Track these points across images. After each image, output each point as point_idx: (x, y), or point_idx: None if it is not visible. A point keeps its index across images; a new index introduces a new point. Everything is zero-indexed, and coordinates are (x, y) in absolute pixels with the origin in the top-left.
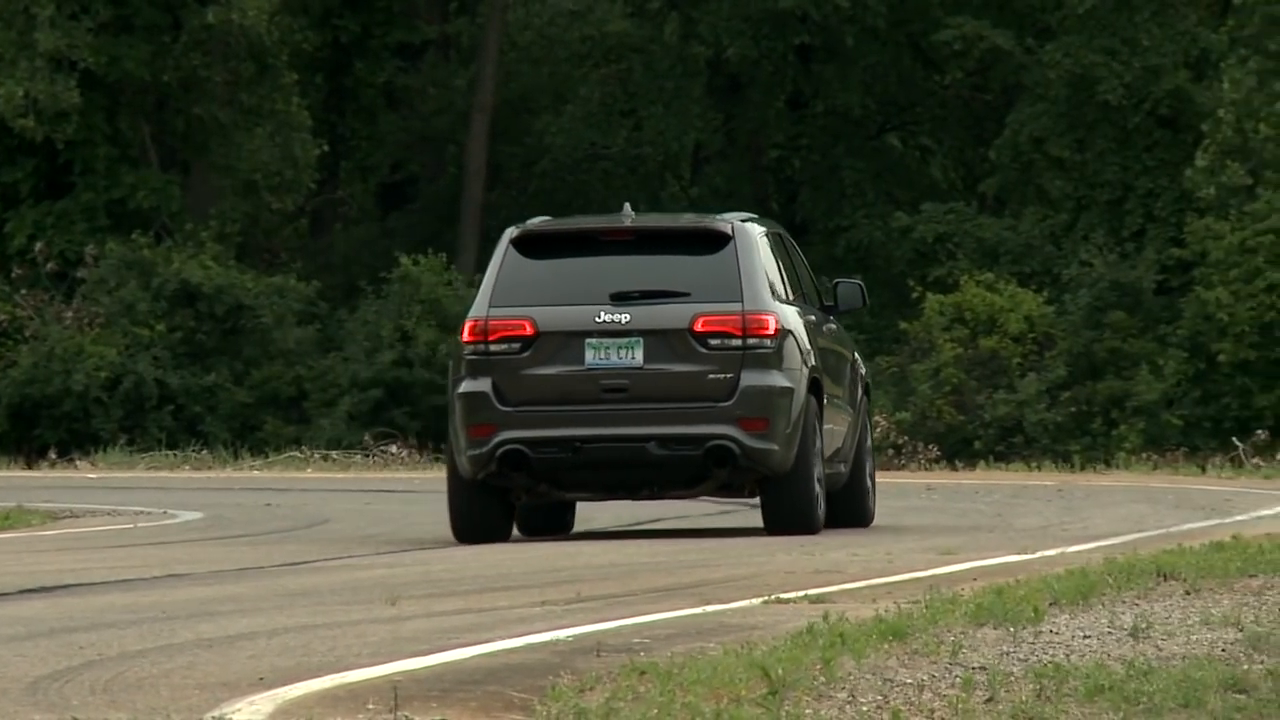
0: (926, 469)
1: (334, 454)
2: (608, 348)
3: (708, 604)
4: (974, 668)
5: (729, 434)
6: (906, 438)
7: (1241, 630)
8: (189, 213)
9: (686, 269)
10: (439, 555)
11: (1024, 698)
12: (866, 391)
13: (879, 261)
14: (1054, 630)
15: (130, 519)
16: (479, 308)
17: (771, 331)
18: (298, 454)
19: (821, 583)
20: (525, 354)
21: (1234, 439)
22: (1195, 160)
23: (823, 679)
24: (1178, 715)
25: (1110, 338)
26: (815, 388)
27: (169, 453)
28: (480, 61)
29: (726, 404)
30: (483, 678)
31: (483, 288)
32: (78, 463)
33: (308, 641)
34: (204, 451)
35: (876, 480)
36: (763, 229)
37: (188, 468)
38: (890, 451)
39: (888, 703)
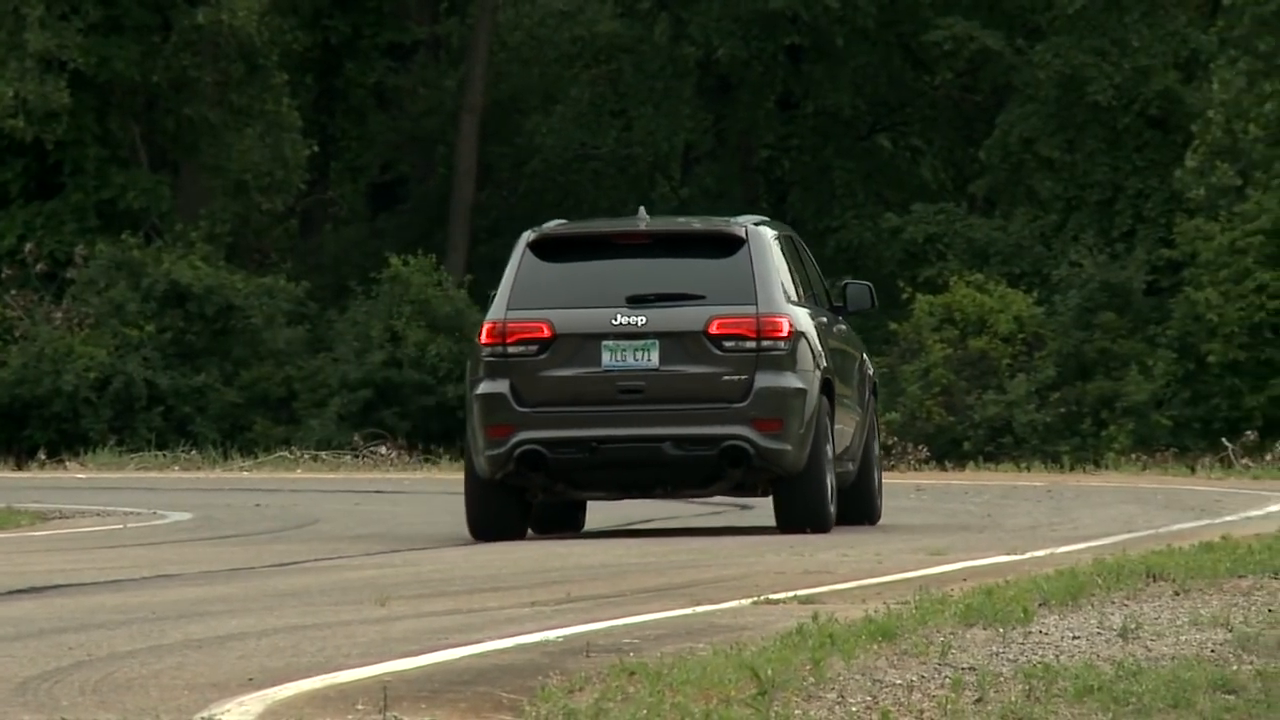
0: (916, 470)
1: (323, 455)
2: (624, 350)
3: (697, 604)
4: (963, 668)
5: (743, 434)
6: (896, 438)
7: (1230, 631)
8: (179, 213)
9: (701, 272)
10: (429, 556)
11: (1013, 698)
12: (874, 391)
13: (869, 262)
14: (1043, 631)
15: (120, 519)
16: (497, 310)
17: (785, 334)
18: (287, 454)
19: (811, 583)
20: (543, 356)
21: (1223, 440)
22: (1185, 161)
23: (812, 679)
24: (1167, 716)
25: (1100, 338)
26: (827, 388)
27: (158, 453)
28: (470, 62)
29: (741, 405)
30: (472, 678)
31: (500, 290)
32: (67, 463)
33: (297, 642)
34: (193, 452)
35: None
36: (775, 232)
37: (177, 468)
38: (879, 452)
39: (877, 703)
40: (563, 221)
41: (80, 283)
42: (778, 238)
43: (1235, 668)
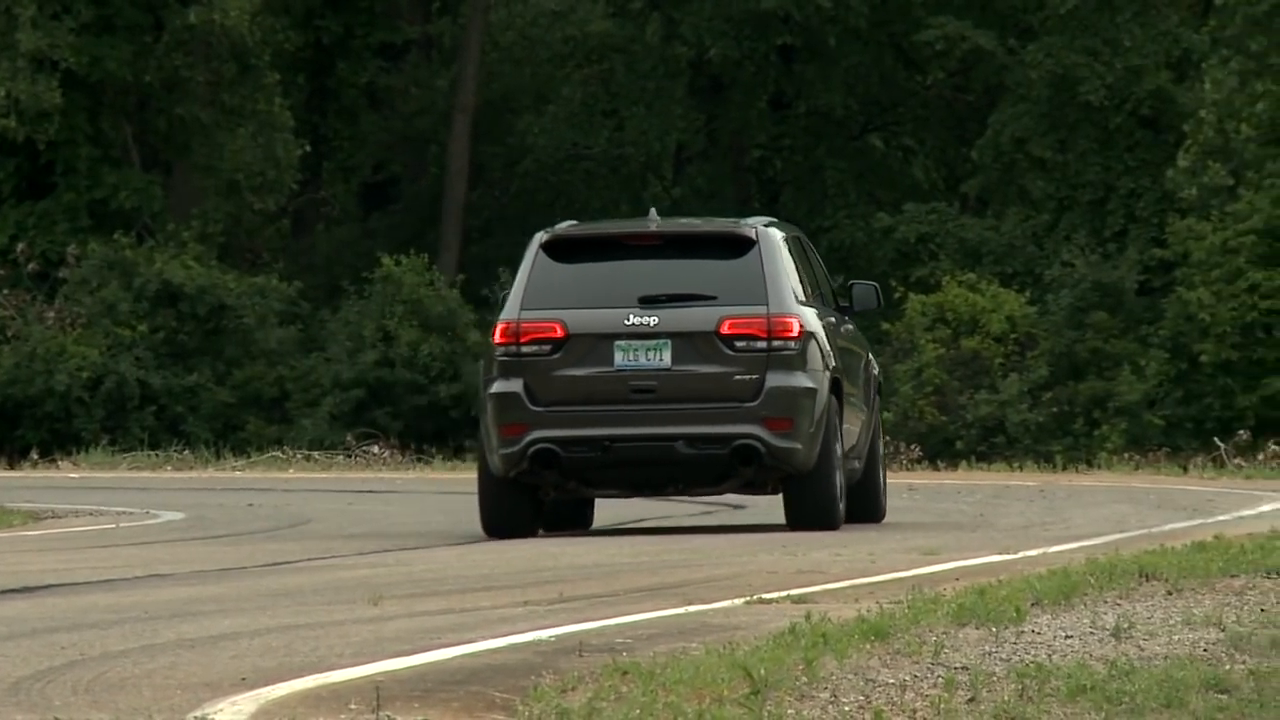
0: (908, 469)
1: (316, 454)
2: (636, 349)
3: (690, 604)
4: (956, 668)
5: (754, 433)
6: (889, 438)
7: (1223, 630)
8: (171, 213)
9: (712, 273)
10: (421, 555)
11: (1006, 698)
12: (879, 390)
13: (861, 262)
14: (1036, 630)
15: (112, 519)
16: (510, 310)
17: (795, 334)
18: (280, 454)
19: (804, 583)
20: (556, 355)
21: (1216, 439)
22: (1177, 161)
23: (805, 679)
24: (1159, 715)
25: (1092, 338)
26: (836, 388)
27: (151, 453)
28: (462, 62)
29: (752, 404)
30: (465, 678)
31: (513, 291)
32: (60, 463)
33: (290, 641)
34: (186, 452)
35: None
36: (784, 233)
37: (170, 468)
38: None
39: (870, 703)
40: (574, 222)
41: (72, 282)
42: (787, 239)
43: (1228, 667)
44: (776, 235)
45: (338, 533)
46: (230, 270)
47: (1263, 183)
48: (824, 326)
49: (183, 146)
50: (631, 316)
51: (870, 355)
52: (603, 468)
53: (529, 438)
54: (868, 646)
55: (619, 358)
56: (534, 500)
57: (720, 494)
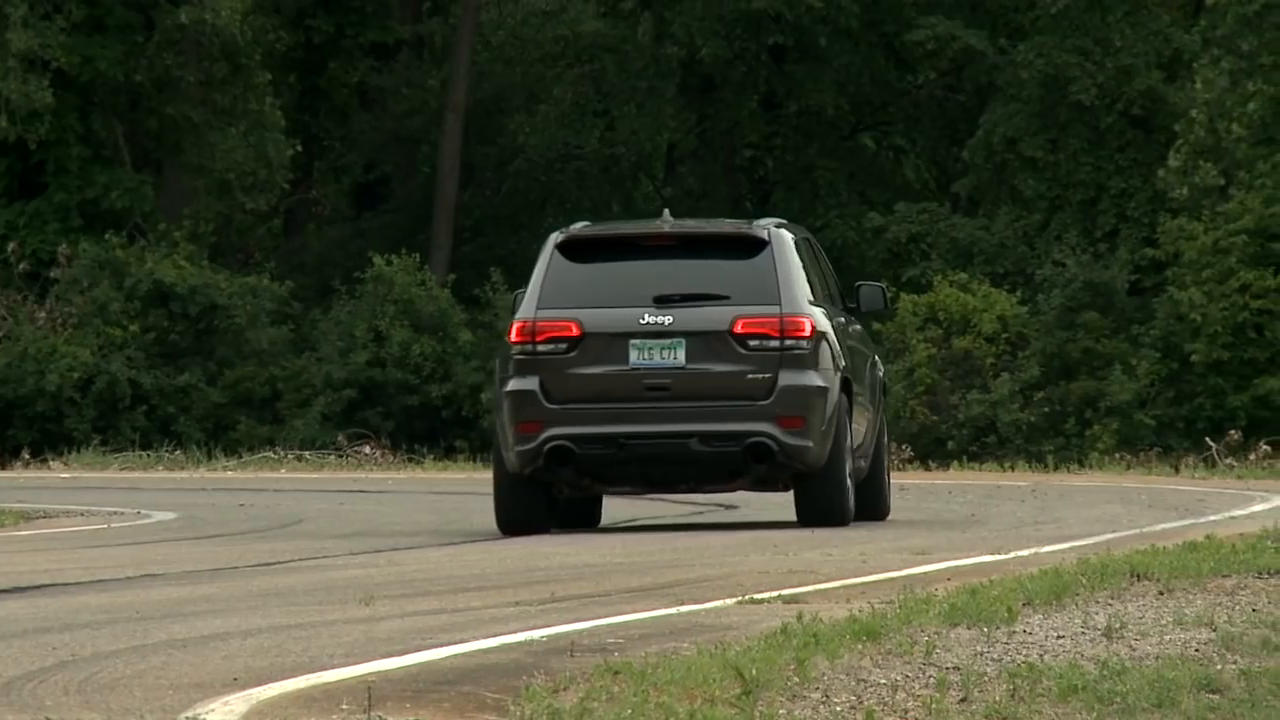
0: (900, 469)
1: (308, 454)
2: (651, 348)
3: (682, 604)
4: (948, 668)
5: (767, 431)
6: None
7: (1215, 630)
8: (162, 213)
9: (725, 273)
10: (413, 555)
11: (997, 698)
12: (884, 390)
13: (852, 262)
14: (1027, 630)
15: (104, 519)
16: (526, 309)
17: (808, 333)
18: (271, 454)
19: (795, 583)
20: (571, 354)
21: (1207, 439)
22: (1168, 160)
23: (796, 679)
24: (1151, 715)
25: (1083, 338)
26: (846, 387)
27: (142, 453)
28: (453, 61)
29: (765, 402)
30: (457, 678)
31: (529, 290)
32: (51, 463)
33: (282, 642)
34: (177, 452)
35: None
36: (794, 235)
37: (161, 468)
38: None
39: (861, 703)
40: (588, 223)
41: (64, 282)
42: (797, 240)
43: (1219, 667)
44: (787, 236)
45: (329, 533)
46: (221, 270)
47: (1254, 183)
48: (834, 327)
49: (174, 146)
50: (646, 316)
51: (876, 356)
52: (618, 465)
53: (545, 435)
54: (859, 646)
55: (634, 356)
56: (548, 497)
57: (733, 491)
